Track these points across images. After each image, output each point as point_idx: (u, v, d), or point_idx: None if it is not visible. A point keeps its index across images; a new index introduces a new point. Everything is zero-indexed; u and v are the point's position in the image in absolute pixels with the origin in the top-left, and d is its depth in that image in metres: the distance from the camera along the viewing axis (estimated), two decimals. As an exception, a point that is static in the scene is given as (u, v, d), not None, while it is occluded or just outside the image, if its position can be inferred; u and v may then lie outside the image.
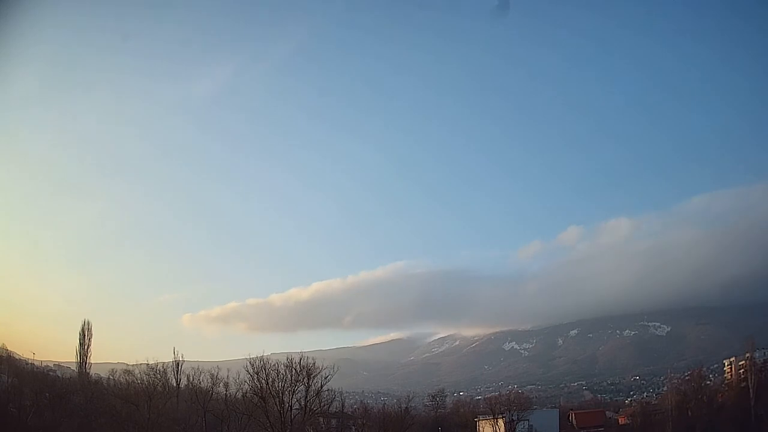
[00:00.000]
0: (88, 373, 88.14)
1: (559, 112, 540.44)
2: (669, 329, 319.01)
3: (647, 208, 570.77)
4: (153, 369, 66.39)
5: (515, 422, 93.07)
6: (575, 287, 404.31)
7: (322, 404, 63.27)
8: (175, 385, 71.98)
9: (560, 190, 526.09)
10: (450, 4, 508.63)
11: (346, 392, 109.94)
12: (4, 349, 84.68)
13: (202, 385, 69.78)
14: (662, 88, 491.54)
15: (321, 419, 72.98)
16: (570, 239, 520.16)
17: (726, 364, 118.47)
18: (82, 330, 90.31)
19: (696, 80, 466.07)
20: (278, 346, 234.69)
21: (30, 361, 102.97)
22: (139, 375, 67.75)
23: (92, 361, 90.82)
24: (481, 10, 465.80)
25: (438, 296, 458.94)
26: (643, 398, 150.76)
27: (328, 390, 63.32)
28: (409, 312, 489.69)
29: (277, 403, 55.11)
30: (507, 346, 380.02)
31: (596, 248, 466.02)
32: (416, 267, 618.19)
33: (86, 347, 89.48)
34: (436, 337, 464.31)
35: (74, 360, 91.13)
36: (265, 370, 55.95)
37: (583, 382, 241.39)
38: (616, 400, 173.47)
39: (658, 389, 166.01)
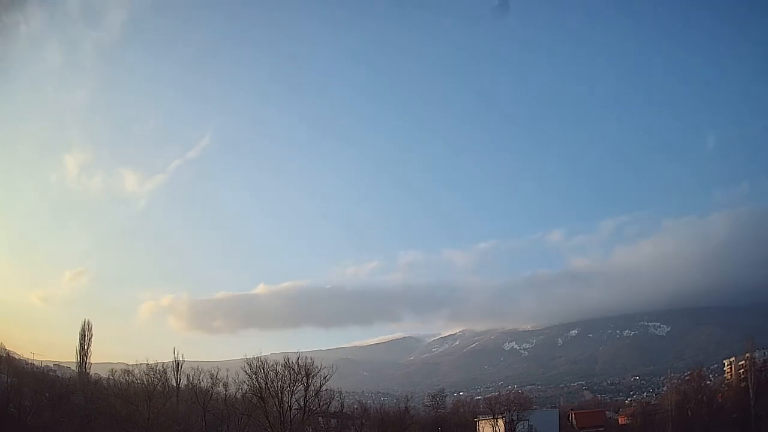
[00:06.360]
0: (88, 373, 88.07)
1: (546, 116, 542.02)
2: (669, 329, 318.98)
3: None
4: (153, 369, 66.42)
5: (515, 422, 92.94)
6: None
7: (321, 404, 63.35)
8: (174, 385, 71.97)
9: (545, 194, 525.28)
10: (441, 8, 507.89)
11: (346, 392, 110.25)
12: (4, 349, 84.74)
13: (202, 385, 69.93)
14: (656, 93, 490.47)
15: (320, 419, 73.08)
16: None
17: (726, 364, 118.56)
18: (82, 330, 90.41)
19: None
20: (277, 346, 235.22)
21: (30, 361, 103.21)
22: (139, 375, 67.54)
23: (92, 361, 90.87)
24: (472, 14, 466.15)
25: (437, 296, 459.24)
26: (643, 398, 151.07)
27: (327, 390, 63.45)
28: (408, 311, 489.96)
29: (277, 403, 55.05)
30: (507, 346, 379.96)
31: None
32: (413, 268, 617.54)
33: (86, 347, 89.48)
34: (436, 337, 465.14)
35: (74, 360, 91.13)
36: (263, 370, 55.92)
37: (583, 382, 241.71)
38: (616, 400, 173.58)
39: (658, 389, 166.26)
